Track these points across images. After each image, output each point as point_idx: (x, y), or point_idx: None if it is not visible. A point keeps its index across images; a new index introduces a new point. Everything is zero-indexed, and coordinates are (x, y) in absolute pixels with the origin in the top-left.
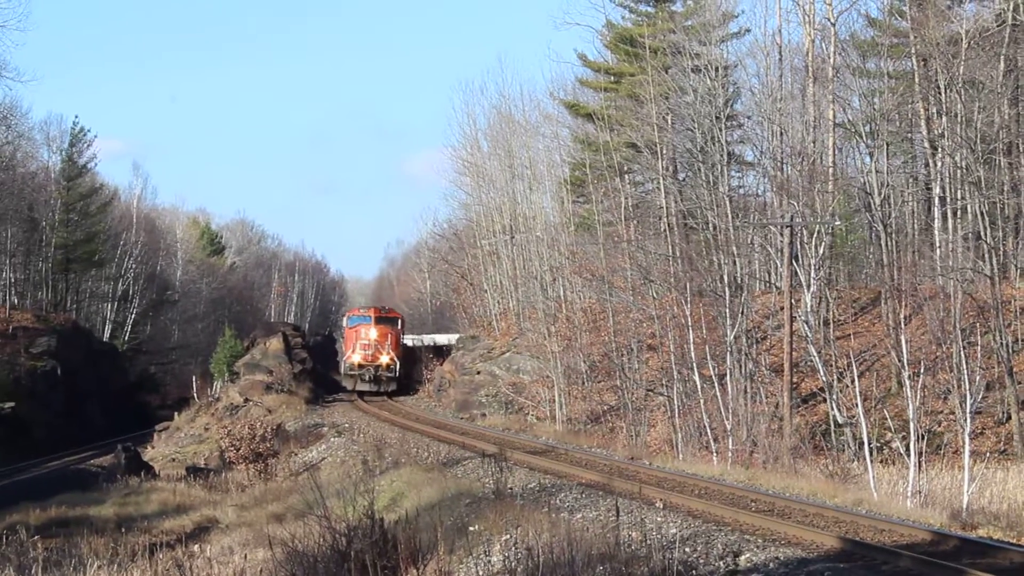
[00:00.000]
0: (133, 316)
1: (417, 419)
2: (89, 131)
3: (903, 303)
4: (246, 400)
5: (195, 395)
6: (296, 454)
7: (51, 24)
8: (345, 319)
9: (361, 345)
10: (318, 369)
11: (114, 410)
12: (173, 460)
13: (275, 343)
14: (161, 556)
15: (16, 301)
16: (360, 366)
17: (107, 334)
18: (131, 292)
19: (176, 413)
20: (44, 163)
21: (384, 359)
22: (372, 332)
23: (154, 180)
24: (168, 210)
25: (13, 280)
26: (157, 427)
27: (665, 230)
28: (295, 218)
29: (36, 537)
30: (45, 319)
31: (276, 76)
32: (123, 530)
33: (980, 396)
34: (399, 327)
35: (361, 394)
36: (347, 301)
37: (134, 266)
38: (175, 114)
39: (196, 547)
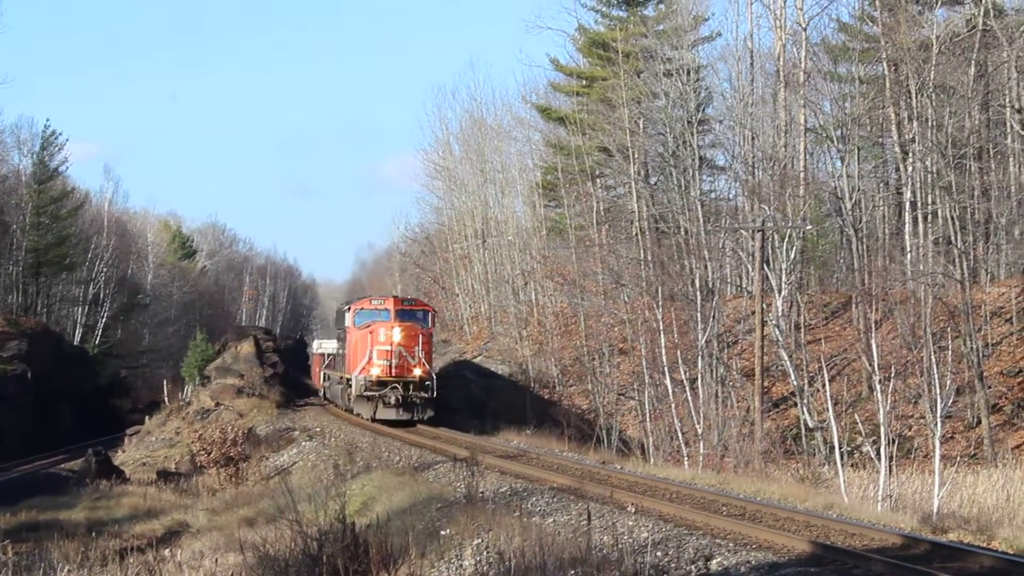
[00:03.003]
0: (104, 320)
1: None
2: (60, 134)
3: (874, 307)
4: (217, 404)
5: (166, 399)
6: (267, 458)
7: (22, 26)
8: (350, 314)
9: (380, 352)
10: (290, 373)
11: (85, 414)
12: (144, 464)
13: (246, 347)
14: (132, 560)
15: None
16: (380, 383)
17: (78, 338)
18: (102, 296)
19: (147, 417)
20: (15, 166)
21: (417, 372)
22: (396, 332)
23: (125, 184)
24: (139, 214)
25: None
26: (128, 431)
27: (637, 234)
28: (267, 221)
29: (6, 541)
30: (15, 323)
31: (251, 80)
32: (94, 534)
33: (951, 401)
34: (431, 324)
35: (389, 423)
36: (319, 304)
37: (105, 270)
38: (147, 117)
39: (167, 551)
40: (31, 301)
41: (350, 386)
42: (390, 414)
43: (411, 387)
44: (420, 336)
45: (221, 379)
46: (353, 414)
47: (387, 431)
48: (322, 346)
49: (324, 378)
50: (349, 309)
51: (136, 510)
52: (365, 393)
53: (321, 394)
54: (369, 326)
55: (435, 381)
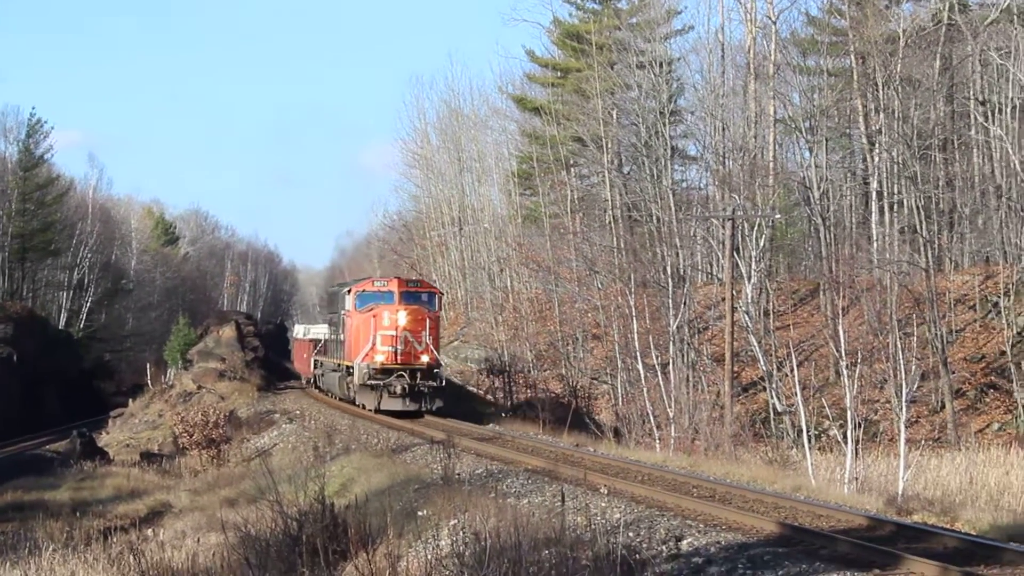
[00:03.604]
0: (88, 304)
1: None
2: (46, 123)
3: (841, 294)
4: (199, 387)
5: (149, 382)
6: (248, 440)
7: (5, 15)
8: (350, 297)
9: (384, 337)
10: (270, 357)
11: (69, 396)
12: (127, 446)
13: (228, 331)
14: (115, 540)
15: None
16: (384, 371)
17: (63, 322)
18: (86, 281)
19: (130, 400)
20: (1, 154)
21: (424, 358)
22: (401, 316)
23: (110, 171)
24: (123, 200)
25: None
26: (112, 413)
27: (610, 222)
28: (249, 209)
29: None
30: (1, 307)
31: (233, 70)
32: (78, 514)
33: (915, 385)
34: (438, 307)
35: (394, 414)
36: (299, 290)
37: (89, 255)
38: (131, 106)
39: (150, 531)
40: (17, 286)
41: (350, 374)
42: (396, 404)
43: (418, 375)
44: (427, 320)
45: (203, 363)
46: (355, 405)
47: (366, 415)
48: (310, 331)
49: (315, 365)
50: (349, 291)
51: (120, 491)
52: (369, 382)
53: (312, 382)
54: (372, 309)
55: (444, 368)
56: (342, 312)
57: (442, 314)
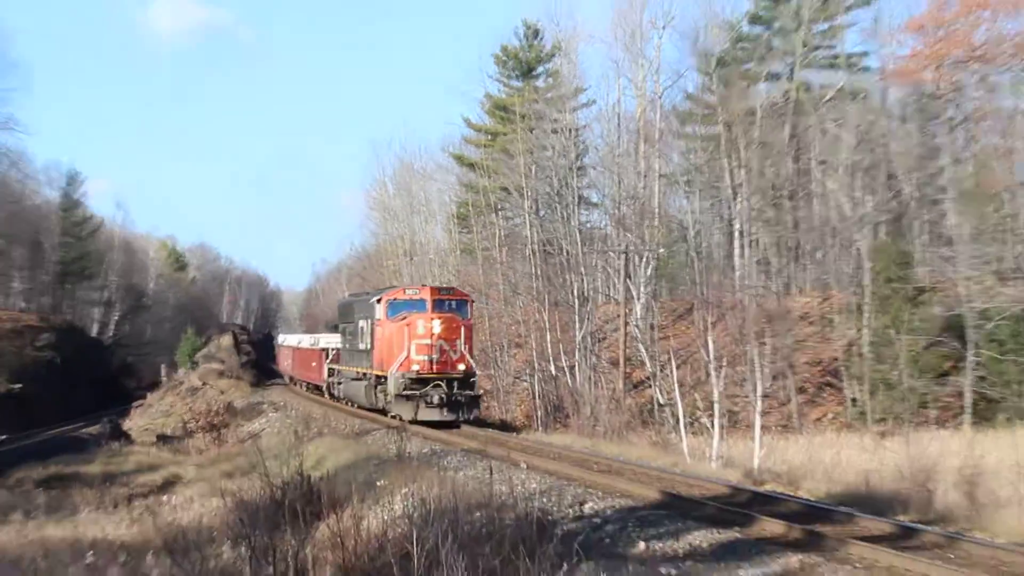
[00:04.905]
0: (115, 318)
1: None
2: (81, 173)
3: (710, 312)
4: (204, 383)
5: (164, 379)
6: (242, 426)
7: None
8: (380, 305)
9: (419, 346)
10: (260, 360)
11: (100, 391)
12: (146, 429)
13: (227, 339)
14: (137, 504)
15: (24, 305)
16: (420, 380)
17: (95, 331)
18: (113, 299)
19: (149, 393)
20: (46, 198)
21: (460, 367)
22: (436, 324)
23: (133, 212)
24: (143, 235)
25: (21, 289)
26: (134, 404)
27: (529, 255)
28: (244, 241)
29: (39, 488)
30: (46, 319)
31: (234, 127)
32: (107, 484)
33: (768, 384)
34: (470, 315)
35: (431, 425)
36: (282, 307)
37: (116, 279)
38: (150, 160)
39: (164, 497)
40: (58, 303)
41: (381, 383)
42: (433, 415)
43: (455, 384)
44: (462, 328)
45: (207, 364)
46: (388, 416)
47: (336, 406)
48: (319, 341)
49: (330, 373)
50: (379, 300)
51: (140, 465)
52: (405, 392)
53: (323, 389)
54: (405, 318)
55: (476, 376)
56: (363, 321)
57: (474, 321)
